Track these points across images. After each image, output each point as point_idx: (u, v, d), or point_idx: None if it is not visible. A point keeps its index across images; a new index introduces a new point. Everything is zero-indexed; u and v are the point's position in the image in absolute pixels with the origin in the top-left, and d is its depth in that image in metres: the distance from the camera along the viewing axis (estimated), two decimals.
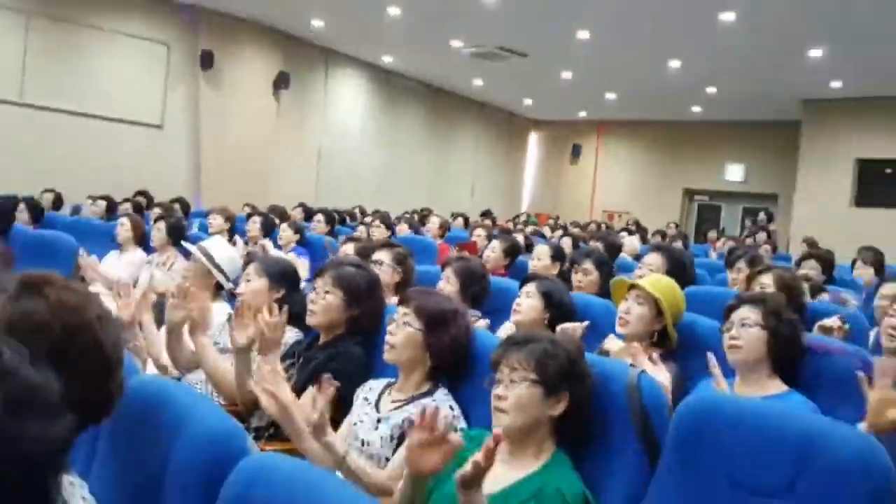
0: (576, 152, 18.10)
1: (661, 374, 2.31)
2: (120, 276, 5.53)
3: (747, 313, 2.45)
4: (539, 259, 4.74)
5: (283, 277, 3.04)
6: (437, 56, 12.51)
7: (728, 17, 8.87)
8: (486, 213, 13.35)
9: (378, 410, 2.29)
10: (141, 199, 8.61)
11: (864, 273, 6.30)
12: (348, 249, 4.42)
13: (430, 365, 2.27)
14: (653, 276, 2.97)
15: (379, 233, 7.14)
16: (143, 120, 10.78)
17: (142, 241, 5.80)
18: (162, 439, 1.30)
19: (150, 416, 1.35)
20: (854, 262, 6.83)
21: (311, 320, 2.73)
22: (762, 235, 11.46)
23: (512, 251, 5.33)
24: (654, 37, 10.20)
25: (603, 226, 13.68)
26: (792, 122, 13.77)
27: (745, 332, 2.42)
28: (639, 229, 12.54)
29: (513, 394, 1.81)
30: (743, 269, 4.69)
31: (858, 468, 1.43)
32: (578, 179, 18.19)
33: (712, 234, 12.32)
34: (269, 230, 6.77)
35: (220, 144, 11.28)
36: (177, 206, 8.23)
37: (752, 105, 13.89)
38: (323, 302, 2.71)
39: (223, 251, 3.38)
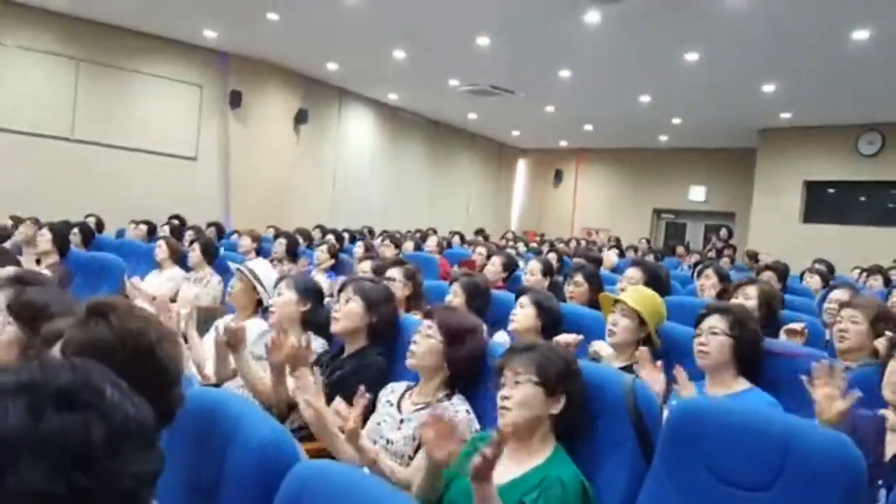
0: (558, 176, 18.12)
1: (658, 383, 2.31)
2: (161, 293, 5.56)
3: (715, 322, 2.48)
4: (532, 274, 4.76)
5: (309, 292, 3.04)
6: (437, 93, 12.52)
7: (692, 56, 8.90)
8: (480, 231, 13.37)
9: (400, 411, 2.29)
10: (175, 222, 8.57)
11: (812, 282, 6.33)
12: (365, 267, 4.43)
13: (448, 374, 2.29)
14: (635, 291, 2.97)
15: (388, 251, 7.12)
16: (179, 153, 10.77)
17: (178, 259, 5.80)
18: (218, 446, 1.28)
19: (207, 425, 1.33)
20: (803, 274, 6.83)
21: (335, 327, 2.76)
22: (729, 250, 11.49)
23: (509, 266, 5.34)
24: (626, 76, 10.23)
25: (583, 241, 13.73)
26: (748, 149, 13.78)
27: (714, 339, 2.44)
28: (617, 245, 12.58)
29: (516, 393, 1.82)
30: (711, 276, 4.70)
31: (834, 463, 1.42)
32: (560, 200, 18.20)
33: (681, 250, 12.28)
34: (292, 250, 6.75)
35: (247, 173, 11.26)
36: (212, 228, 8.23)
37: (713, 134, 13.90)
38: (346, 309, 2.73)
39: (265, 271, 3.40)
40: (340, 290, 2.83)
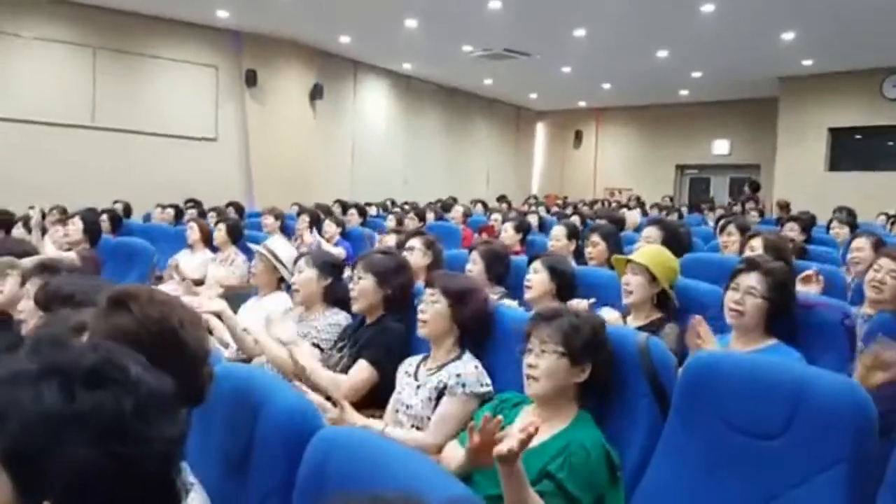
0: (578, 138, 17.97)
1: (711, 344, 2.32)
2: (191, 274, 5.68)
3: (755, 283, 2.39)
4: (557, 239, 4.74)
5: (329, 268, 3.10)
6: (451, 60, 12.44)
7: (708, 8, 8.74)
8: (502, 198, 13.36)
9: (416, 379, 2.36)
10: (192, 209, 8.62)
11: (840, 232, 6.26)
12: (390, 240, 4.48)
13: (458, 334, 2.37)
14: (643, 248, 2.99)
15: (413, 223, 7.16)
16: (199, 135, 10.85)
17: (208, 241, 5.90)
18: (247, 418, 1.34)
19: (236, 399, 1.39)
20: (829, 223, 6.76)
21: (354, 306, 2.82)
22: (751, 203, 11.36)
23: (522, 228, 5.35)
24: (642, 30, 10.07)
25: (606, 202, 13.63)
26: (770, 99, 13.54)
27: (750, 300, 2.37)
28: (639, 204, 12.49)
29: (543, 363, 1.84)
30: (733, 233, 4.67)
31: (846, 410, 1.45)
32: (581, 162, 18.06)
33: (705, 206, 12.16)
34: (315, 224, 6.82)
35: (267, 151, 11.32)
36: (230, 209, 8.29)
37: (734, 85, 13.65)
38: (359, 287, 2.79)
39: (285, 249, 3.47)
40: (353, 268, 2.89)
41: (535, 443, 1.79)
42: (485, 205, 10.70)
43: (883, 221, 8.07)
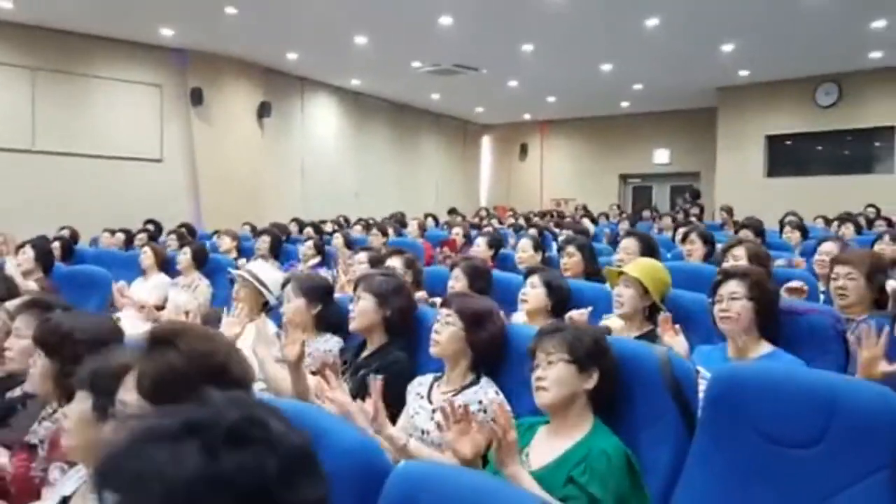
0: (523, 150, 18.17)
1: (679, 344, 2.39)
2: (147, 300, 5.49)
3: (735, 287, 2.51)
4: (524, 251, 4.78)
5: (317, 293, 3.04)
6: (400, 76, 12.43)
7: (653, 21, 8.98)
8: (453, 211, 13.39)
9: (431, 402, 2.33)
10: (150, 227, 8.42)
11: (793, 237, 6.49)
12: (362, 258, 4.41)
13: (472, 357, 2.33)
14: (636, 262, 3.04)
15: (376, 240, 7.08)
16: (144, 156, 10.55)
17: (163, 266, 5.72)
18: None
19: None
20: (781, 227, 7.00)
21: (352, 326, 2.78)
22: (695, 209, 11.69)
23: (495, 244, 5.37)
24: (588, 45, 10.28)
25: (554, 213, 13.77)
26: (708, 109, 13.98)
27: (735, 304, 2.48)
28: (586, 213, 12.68)
29: (551, 373, 1.87)
30: (696, 242, 4.78)
31: (884, 417, 1.48)
32: (527, 173, 18.26)
33: (647, 213, 12.43)
34: (276, 246, 6.68)
35: (215, 171, 11.08)
36: (182, 230, 8.08)
37: (673, 96, 14.04)
38: (359, 307, 2.75)
39: (267, 272, 3.39)
40: (354, 289, 2.85)
41: (554, 455, 1.83)
42: (436, 219, 10.70)
43: (822, 224, 8.37)
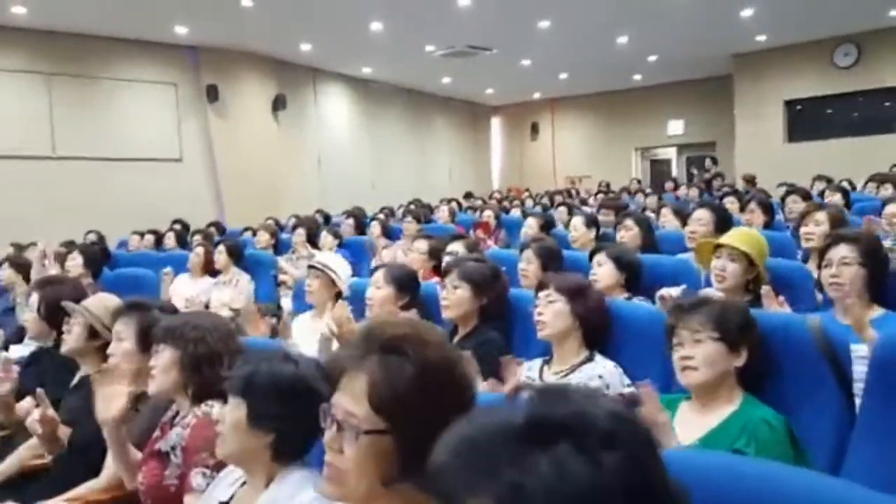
0: (534, 129, 18.02)
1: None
2: (192, 297, 5.44)
3: (846, 252, 2.42)
4: (576, 230, 4.70)
5: (407, 285, 2.97)
6: (412, 61, 12.32)
7: None
8: (469, 195, 13.30)
9: (543, 382, 2.26)
10: (178, 227, 8.35)
11: (835, 199, 6.27)
12: (421, 246, 4.32)
13: (581, 332, 2.28)
14: (738, 233, 2.93)
15: (411, 226, 6.98)
16: (163, 156, 10.47)
17: (209, 268, 5.62)
18: None
19: None
20: (822, 192, 6.78)
21: (446, 314, 2.72)
22: (718, 179, 11.56)
23: (547, 226, 5.29)
24: (606, 17, 10.11)
25: (569, 192, 13.62)
26: (723, 76, 13.84)
27: (846, 269, 2.40)
28: (608, 190, 12.58)
29: (699, 352, 1.78)
30: (756, 210, 4.70)
31: None
32: (539, 153, 18.11)
33: (669, 184, 12.30)
34: (312, 238, 6.61)
35: (234, 167, 11.00)
36: (212, 229, 8.01)
37: (687, 66, 13.85)
38: (454, 296, 2.68)
39: (338, 263, 3.32)
40: (445, 276, 2.77)
41: (706, 429, 1.77)
42: (459, 203, 10.62)
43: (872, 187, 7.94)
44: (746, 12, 10.07)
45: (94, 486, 2.02)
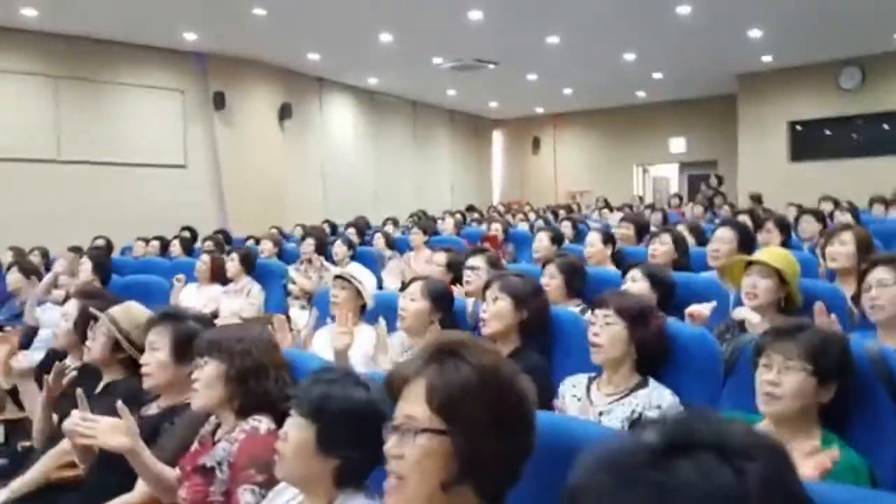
0: (536, 144, 18.03)
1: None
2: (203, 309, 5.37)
3: (884, 274, 2.43)
4: (592, 245, 4.67)
5: (442, 300, 2.93)
6: (418, 73, 12.32)
7: (685, 9, 8.88)
8: (471, 208, 13.26)
9: (592, 404, 2.21)
10: (186, 234, 8.31)
11: (844, 219, 6.25)
12: (440, 259, 4.28)
13: (635, 357, 2.20)
14: (770, 251, 2.92)
15: (417, 237, 6.96)
16: (169, 162, 10.43)
17: (218, 276, 5.57)
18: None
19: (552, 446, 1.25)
20: (831, 214, 6.74)
21: (486, 329, 2.65)
22: (720, 198, 11.57)
23: (557, 240, 5.26)
24: (615, 34, 10.17)
25: (573, 205, 13.64)
26: (725, 95, 13.89)
27: (885, 291, 2.40)
28: (606, 206, 12.57)
29: (787, 381, 1.71)
30: (772, 230, 4.68)
31: None
32: (541, 167, 18.12)
33: (675, 201, 12.31)
34: (321, 248, 6.59)
35: (239, 175, 10.97)
36: (220, 237, 7.96)
37: (690, 84, 13.92)
38: (494, 308, 2.63)
39: (364, 275, 3.29)
40: (485, 289, 2.73)
41: None
42: (464, 216, 10.59)
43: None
44: (754, 32, 10.12)
45: (129, 500, 1.96)
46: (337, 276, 3.29)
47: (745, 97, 13.31)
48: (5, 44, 8.74)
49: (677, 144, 16.17)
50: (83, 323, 2.73)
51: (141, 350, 2.32)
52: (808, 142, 12.99)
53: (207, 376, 1.84)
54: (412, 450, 1.07)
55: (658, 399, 2.09)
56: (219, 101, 10.60)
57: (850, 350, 1.78)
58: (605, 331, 2.19)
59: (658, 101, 15.68)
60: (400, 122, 15.10)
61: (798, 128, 12.99)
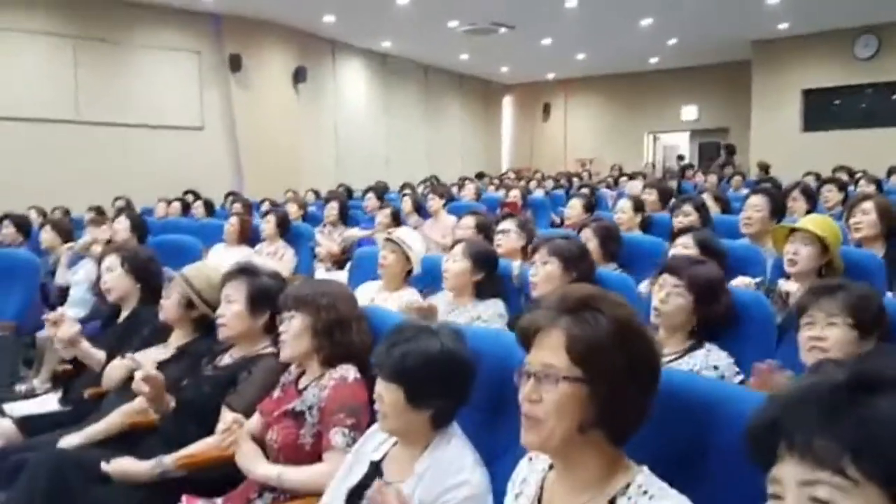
0: (546, 111, 17.94)
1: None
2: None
3: None
4: (624, 212, 4.73)
5: (484, 260, 2.97)
6: (433, 36, 12.24)
7: None
8: (481, 175, 13.27)
9: None
10: (189, 197, 8.34)
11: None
12: (468, 222, 4.32)
13: (694, 325, 2.19)
14: (812, 218, 2.98)
15: (436, 203, 7.01)
16: (185, 124, 10.42)
17: (246, 238, 5.63)
18: (693, 420, 1.31)
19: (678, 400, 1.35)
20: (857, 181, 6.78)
21: (536, 291, 2.72)
22: (729, 168, 11.59)
23: (590, 207, 5.32)
24: None
25: (581, 174, 13.60)
26: (740, 62, 13.76)
27: None
28: (621, 174, 12.57)
29: (832, 335, 1.82)
30: (798, 199, 4.73)
31: None
32: (551, 134, 18.07)
33: (689, 172, 12.35)
34: (345, 212, 6.67)
35: (255, 138, 10.97)
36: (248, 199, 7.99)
37: (705, 51, 13.81)
38: (543, 271, 2.71)
39: (414, 239, 3.34)
40: (534, 252, 2.80)
41: None
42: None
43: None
44: None
45: (211, 442, 2.06)
46: (387, 239, 3.34)
47: (759, 64, 13.22)
48: (24, 4, 8.68)
49: (689, 112, 16.11)
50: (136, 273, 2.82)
51: (213, 308, 2.42)
52: (822, 110, 12.92)
53: (295, 329, 1.94)
54: (552, 395, 1.13)
55: (715, 360, 2.11)
56: (235, 63, 10.56)
57: (885, 303, 1.88)
58: (671, 299, 2.18)
59: (670, 68, 15.58)
60: (411, 87, 15.01)
61: (811, 96, 12.93)
